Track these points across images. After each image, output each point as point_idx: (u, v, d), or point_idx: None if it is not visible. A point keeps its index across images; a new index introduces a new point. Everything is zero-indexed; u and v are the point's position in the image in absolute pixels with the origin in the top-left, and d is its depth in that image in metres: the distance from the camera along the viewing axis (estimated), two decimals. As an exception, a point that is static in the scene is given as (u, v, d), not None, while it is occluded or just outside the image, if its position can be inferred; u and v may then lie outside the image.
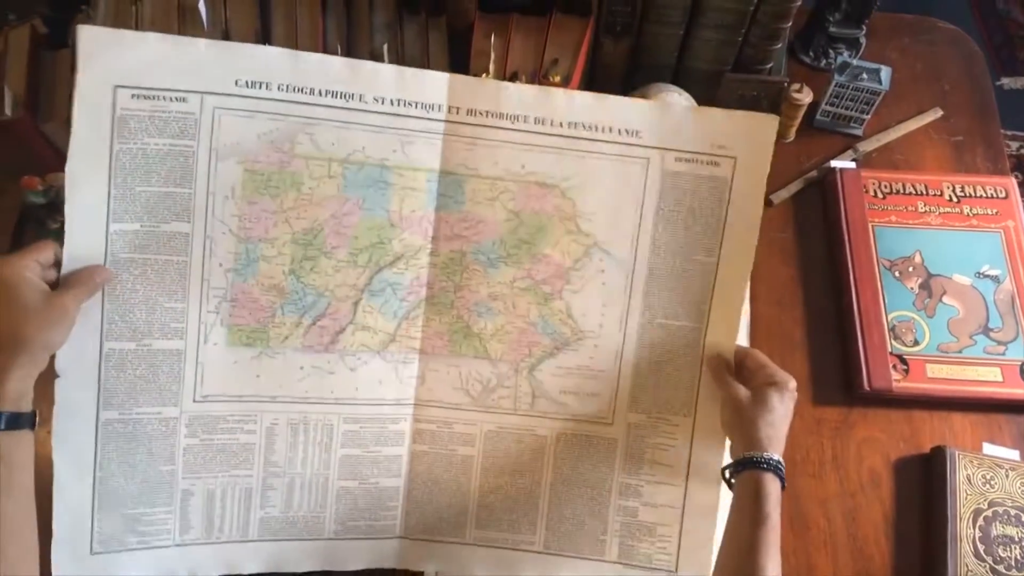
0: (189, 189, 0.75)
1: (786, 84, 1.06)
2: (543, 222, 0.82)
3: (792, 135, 1.13)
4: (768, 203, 1.08)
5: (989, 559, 0.87)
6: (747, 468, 0.73)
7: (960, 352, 0.97)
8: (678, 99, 1.00)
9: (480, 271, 0.82)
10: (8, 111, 0.91)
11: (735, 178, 0.82)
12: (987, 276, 1.01)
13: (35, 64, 0.95)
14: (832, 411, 0.97)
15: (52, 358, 0.71)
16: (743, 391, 0.77)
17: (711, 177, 0.82)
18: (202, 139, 0.75)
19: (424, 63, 0.94)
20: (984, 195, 1.06)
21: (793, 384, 0.77)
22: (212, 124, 0.75)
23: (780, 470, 0.73)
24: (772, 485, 0.72)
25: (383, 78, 0.78)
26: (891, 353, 0.96)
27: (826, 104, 1.12)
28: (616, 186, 0.82)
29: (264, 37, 0.91)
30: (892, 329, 0.97)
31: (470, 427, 0.84)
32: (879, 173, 1.08)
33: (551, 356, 0.83)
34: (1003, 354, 0.96)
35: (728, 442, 0.81)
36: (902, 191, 1.06)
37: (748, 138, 0.82)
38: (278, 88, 0.76)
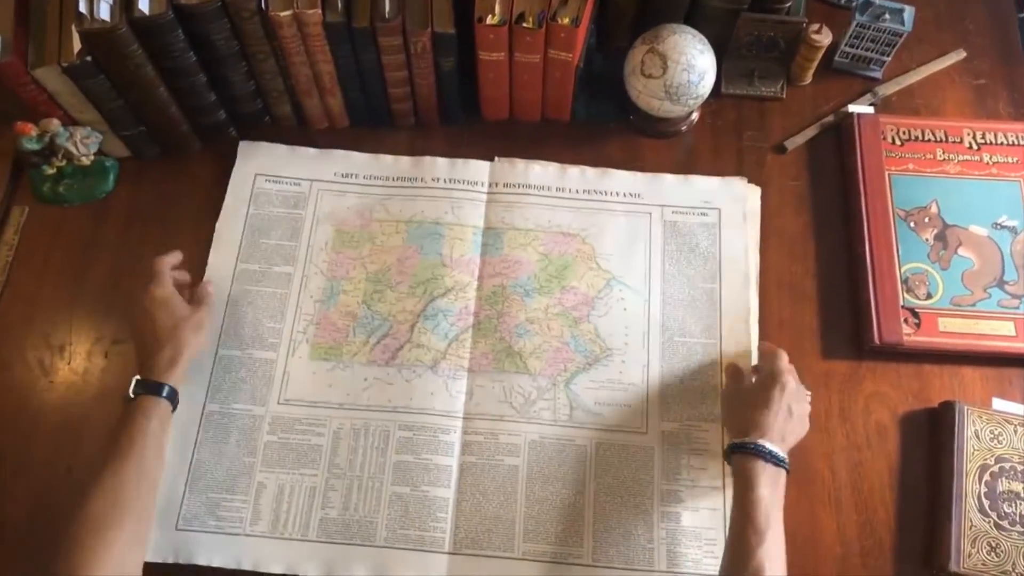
0: (295, 243, 1.05)
1: (805, 25, 1.04)
2: (568, 261, 1.04)
3: (809, 78, 1.12)
4: (782, 149, 1.10)
5: (994, 515, 0.89)
6: (733, 453, 0.85)
7: (974, 305, 0.97)
8: (690, 43, 0.96)
9: (518, 300, 1.02)
10: (-3, 56, 0.88)
11: (722, 224, 1.05)
12: (1004, 227, 1.01)
13: (23, 9, 0.96)
14: (841, 364, 1.00)
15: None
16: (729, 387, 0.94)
17: (703, 224, 1.06)
18: (308, 209, 1.07)
19: (427, 7, 0.90)
20: (1005, 142, 1.06)
21: (780, 376, 0.87)
22: (316, 200, 1.08)
23: (761, 451, 0.82)
24: (750, 465, 0.82)
25: (439, 166, 1.09)
26: (903, 306, 0.96)
27: (845, 45, 1.11)
28: (626, 234, 1.05)
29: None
30: (905, 282, 0.97)
31: (514, 437, 0.95)
32: (898, 119, 1.07)
33: (584, 371, 0.98)
34: (1017, 308, 0.98)
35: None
36: (921, 138, 1.05)
37: (726, 195, 1.07)
38: (363, 177, 1.09)
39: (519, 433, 0.95)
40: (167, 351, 0.88)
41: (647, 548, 0.90)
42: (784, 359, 0.90)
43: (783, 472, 0.83)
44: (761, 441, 0.82)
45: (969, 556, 0.87)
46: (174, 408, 0.88)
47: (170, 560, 0.89)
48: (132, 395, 0.85)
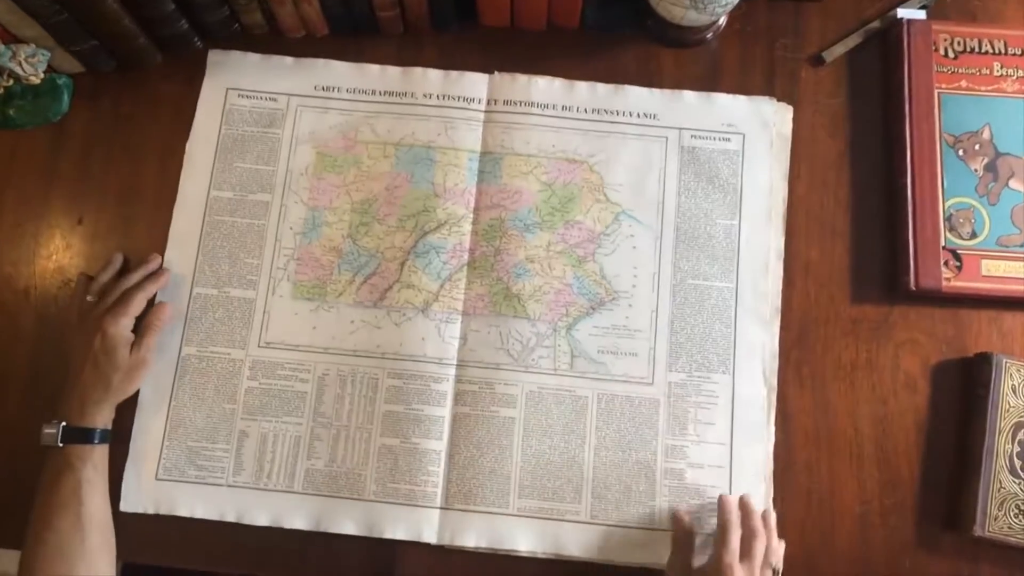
0: (273, 167, 0.98)
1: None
2: (574, 192, 0.97)
3: (854, -26, 0.97)
4: (819, 61, 0.99)
5: (1025, 476, 0.84)
6: None
7: (1021, 246, 0.91)
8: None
9: (517, 235, 0.96)
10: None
11: (746, 152, 0.98)
12: (1063, 157, 0.91)
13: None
14: (871, 310, 0.96)
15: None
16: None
17: (724, 151, 0.98)
18: (286, 129, 0.99)
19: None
20: (1072, 57, 0.93)
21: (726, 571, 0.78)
22: (294, 118, 0.99)
23: None
24: None
25: (431, 79, 1.00)
26: (944, 247, 0.89)
27: (899, -68, 0.95)
28: (639, 161, 0.98)
29: None
30: (948, 219, 0.91)
31: (511, 388, 0.92)
32: (952, 26, 0.97)
33: (588, 316, 0.93)
34: (1069, 250, 0.89)
35: (773, 398, 0.91)
36: (977, 49, 0.95)
37: (753, 118, 0.99)
38: (346, 91, 1.00)
39: (516, 382, 0.92)
40: (96, 394, 0.86)
41: (648, 505, 0.90)
42: (732, 541, 0.79)
43: None
44: None
45: (996, 519, 0.86)
46: (108, 443, 0.86)
47: (151, 511, 0.89)
48: (60, 444, 0.82)
